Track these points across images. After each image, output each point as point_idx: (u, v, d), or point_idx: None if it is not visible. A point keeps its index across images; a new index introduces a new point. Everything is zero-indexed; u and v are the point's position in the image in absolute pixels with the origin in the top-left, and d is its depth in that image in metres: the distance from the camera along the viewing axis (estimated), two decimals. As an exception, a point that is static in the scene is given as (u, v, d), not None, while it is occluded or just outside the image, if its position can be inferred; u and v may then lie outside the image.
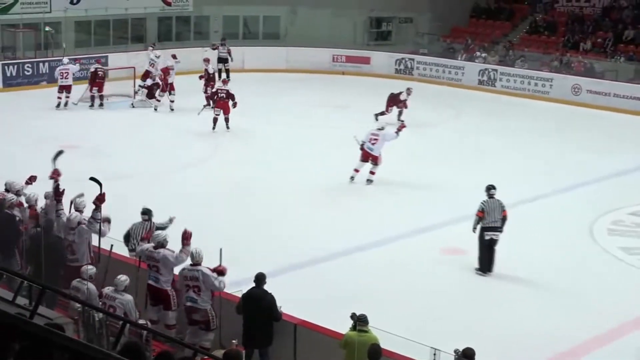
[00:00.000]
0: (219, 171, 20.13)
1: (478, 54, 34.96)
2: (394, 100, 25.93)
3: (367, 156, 19.51)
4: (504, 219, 14.52)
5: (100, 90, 26.49)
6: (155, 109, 25.90)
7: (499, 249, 14.72)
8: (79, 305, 9.90)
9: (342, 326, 9.87)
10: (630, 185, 20.17)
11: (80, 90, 26.24)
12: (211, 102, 25.37)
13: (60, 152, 12.77)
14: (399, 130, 19.92)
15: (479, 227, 14.53)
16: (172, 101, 26.26)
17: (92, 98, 26.49)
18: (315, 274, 14.18)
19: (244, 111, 24.92)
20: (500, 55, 35.20)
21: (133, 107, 26.72)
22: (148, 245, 11.36)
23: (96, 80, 26.49)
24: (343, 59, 35.56)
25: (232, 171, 20.10)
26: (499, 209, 14.50)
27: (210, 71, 27.34)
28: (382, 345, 9.42)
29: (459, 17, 39.59)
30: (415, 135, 24.32)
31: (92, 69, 26.79)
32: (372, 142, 19.50)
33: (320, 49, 35.20)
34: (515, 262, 15.02)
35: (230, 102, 23.90)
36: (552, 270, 14.77)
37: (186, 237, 10.97)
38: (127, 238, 12.92)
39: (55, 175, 12.40)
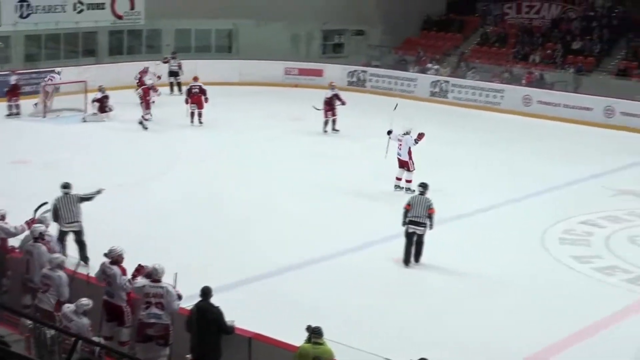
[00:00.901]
0: (177, 185, 19.95)
1: (430, 65, 35.21)
2: (328, 104, 26.11)
3: (400, 162, 19.97)
4: (430, 217, 15.02)
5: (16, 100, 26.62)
6: (145, 128, 25.58)
7: (453, 256, 14.93)
8: (30, 322, 9.77)
9: (298, 339, 9.83)
10: (580, 195, 20.39)
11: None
12: (187, 98, 26.55)
13: (43, 204, 12.70)
14: (417, 139, 20.15)
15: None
16: (146, 119, 25.80)
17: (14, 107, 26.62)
18: (271, 287, 14.12)
19: (198, 126, 24.89)
20: (452, 67, 35.48)
21: (85, 121, 26.48)
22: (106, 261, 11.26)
23: (15, 91, 26.70)
24: (296, 71, 35.62)
25: (190, 185, 19.95)
26: (424, 205, 15.10)
27: (148, 83, 27.17)
28: (338, 358, 9.39)
29: (411, 29, 39.83)
30: (371, 147, 24.42)
31: (43, 83, 26.74)
32: (399, 147, 20.07)
33: (273, 61, 35.23)
34: (468, 272, 15.10)
35: (203, 97, 25.97)
36: (505, 280, 14.86)
37: (138, 270, 11.01)
38: (56, 214, 13.69)
39: (30, 224, 12.30)
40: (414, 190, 19.49)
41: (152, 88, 26.46)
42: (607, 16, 36.87)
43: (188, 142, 24.33)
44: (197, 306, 10.43)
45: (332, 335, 9.85)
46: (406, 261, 15.23)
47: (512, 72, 34.20)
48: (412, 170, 19.84)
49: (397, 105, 21.66)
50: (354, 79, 35.40)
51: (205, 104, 26.30)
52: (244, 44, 37.15)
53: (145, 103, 25.76)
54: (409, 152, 19.92)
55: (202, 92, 26.37)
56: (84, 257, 13.83)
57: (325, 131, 26.13)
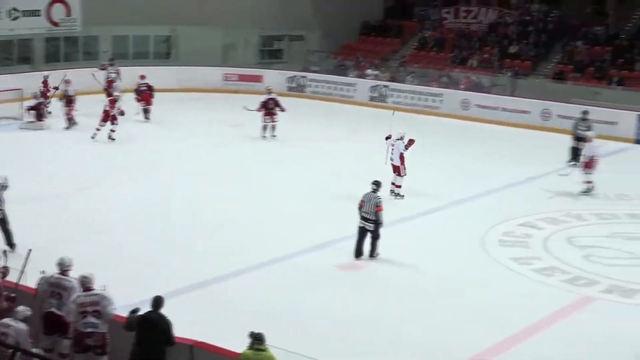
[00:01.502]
0: (116, 193, 19.73)
1: (369, 71, 35.40)
2: (266, 108, 26.18)
3: (393, 167, 20.21)
4: (377, 214, 15.50)
5: None
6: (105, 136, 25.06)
7: (397, 258, 15.35)
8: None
9: (242, 346, 9.80)
10: (519, 197, 20.64)
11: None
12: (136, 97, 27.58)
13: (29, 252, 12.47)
14: (408, 145, 20.31)
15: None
16: (112, 130, 25.09)
17: None
18: (214, 293, 14.03)
19: (137, 133, 24.70)
20: (391, 72, 35.71)
21: (22, 129, 26.12)
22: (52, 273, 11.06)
23: None
24: (235, 77, 35.58)
25: (129, 193, 19.73)
26: (372, 202, 15.58)
27: (71, 93, 26.87)
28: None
29: (349, 34, 40.03)
30: (313, 153, 24.52)
31: None
32: (392, 152, 20.32)
33: (212, 67, 35.16)
34: (411, 274, 15.19)
35: (151, 94, 27.31)
36: (447, 281, 14.97)
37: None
38: None
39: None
40: (403, 196, 19.97)
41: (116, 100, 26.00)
42: (543, 20, 37.44)
43: (126, 150, 24.11)
44: (147, 316, 10.30)
45: (276, 340, 9.84)
46: (356, 254, 15.72)
47: (451, 76, 34.55)
48: (402, 176, 20.13)
49: (394, 112, 21.77)
50: (294, 85, 35.46)
51: (152, 101, 27.82)
52: (182, 50, 37.00)
53: (105, 114, 24.93)
54: (401, 157, 20.16)
55: (150, 89, 27.85)
56: (10, 244, 14.70)
57: (264, 136, 26.15)
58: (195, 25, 35.70)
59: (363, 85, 34.30)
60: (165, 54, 37.73)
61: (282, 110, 26.24)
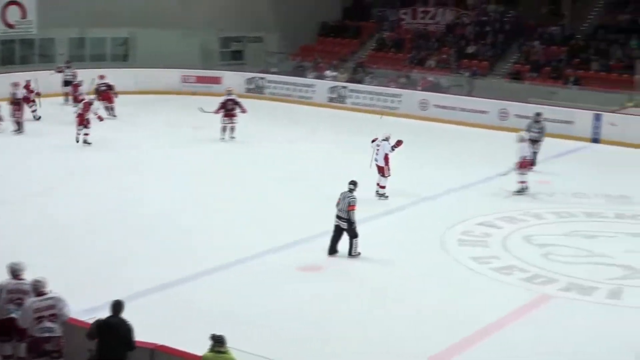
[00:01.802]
0: (75, 197, 19.55)
1: (328, 72, 35.44)
2: (225, 109, 26.09)
3: (377, 168, 20.32)
4: (348, 213, 15.71)
5: None
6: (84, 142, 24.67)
7: (356, 260, 15.15)
8: None
9: (203, 349, 9.76)
10: (478, 197, 20.75)
11: None
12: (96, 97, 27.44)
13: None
14: (395, 146, 20.40)
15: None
16: (86, 134, 24.73)
17: None
18: (173, 296, 13.95)
19: (94, 136, 24.51)
20: (349, 73, 35.78)
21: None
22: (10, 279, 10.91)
23: None
24: (193, 79, 35.45)
25: (88, 196, 19.57)
26: (346, 201, 15.79)
27: (19, 96, 26.58)
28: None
29: (308, 35, 40.06)
30: (272, 155, 24.49)
31: None
32: (377, 152, 20.38)
33: (170, 69, 34.98)
34: (370, 275, 15.23)
35: (112, 92, 27.97)
36: (406, 281, 15.02)
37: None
38: None
39: None
40: (387, 197, 20.06)
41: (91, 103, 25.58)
42: (500, 21, 37.72)
43: (83, 154, 23.89)
44: (108, 321, 10.20)
45: (238, 342, 9.81)
46: (329, 251, 15.93)
47: (409, 76, 34.69)
48: (386, 176, 20.23)
49: (382, 116, 21.75)
50: (253, 86, 35.41)
51: (115, 99, 28.57)
52: (140, 52, 36.78)
53: (80, 118, 24.59)
54: (386, 158, 20.24)
55: (110, 88, 28.65)
56: None
57: (223, 138, 26.07)
58: (153, 27, 35.50)
59: (322, 86, 34.34)
60: (122, 56, 37.48)
61: (243, 111, 26.17)
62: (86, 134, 24.52)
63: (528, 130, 23.58)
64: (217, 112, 26.03)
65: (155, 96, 33.35)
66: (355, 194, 15.97)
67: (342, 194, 16.01)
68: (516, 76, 34.05)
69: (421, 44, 37.78)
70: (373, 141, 20.82)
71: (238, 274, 15.05)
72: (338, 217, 15.88)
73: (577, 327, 13.29)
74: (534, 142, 22.94)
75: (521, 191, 20.82)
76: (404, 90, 33.05)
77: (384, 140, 20.52)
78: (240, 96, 30.00)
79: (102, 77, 29.01)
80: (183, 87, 35.15)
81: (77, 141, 24.47)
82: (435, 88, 33.36)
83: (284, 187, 20.85)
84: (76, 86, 29.17)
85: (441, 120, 30.56)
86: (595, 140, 28.58)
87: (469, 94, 32.65)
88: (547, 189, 21.60)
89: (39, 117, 27.49)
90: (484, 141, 27.75)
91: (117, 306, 10.25)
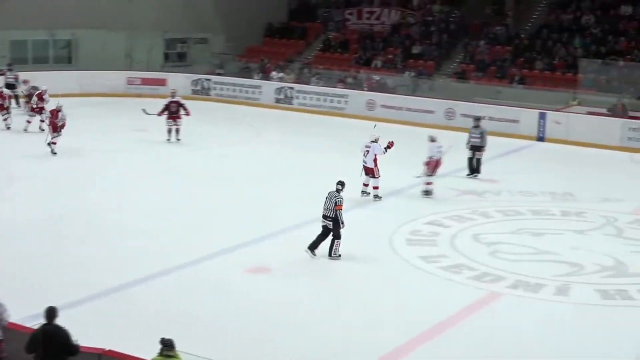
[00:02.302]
0: (13, 204, 19.26)
1: (274, 73, 35.38)
2: (169, 111, 25.92)
3: (366, 170, 20.26)
4: (336, 213, 15.73)
5: None
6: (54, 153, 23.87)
7: (303, 261, 15.17)
8: None
9: (152, 353, 9.63)
10: (426, 196, 20.81)
11: None
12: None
13: None
14: (387, 148, 20.32)
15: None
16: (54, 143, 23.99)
17: None
18: (123, 300, 13.76)
19: (36, 140, 24.18)
20: (295, 74, 35.76)
21: None
22: None
23: None
24: (138, 81, 35.12)
25: (27, 203, 19.27)
26: (333, 201, 15.80)
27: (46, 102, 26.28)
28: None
29: (253, 36, 39.98)
30: (218, 157, 24.35)
31: None
32: (365, 154, 20.28)
33: (115, 71, 34.66)
34: (319, 274, 15.19)
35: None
36: (355, 281, 15.01)
37: None
38: None
39: None
40: (381, 197, 20.15)
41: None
42: (445, 21, 37.98)
43: (24, 158, 23.47)
44: (44, 330, 10.01)
45: (188, 346, 9.71)
46: (310, 245, 15.89)
47: (356, 77, 34.76)
48: (377, 177, 20.22)
49: (375, 125, 21.55)
50: (198, 88, 35.21)
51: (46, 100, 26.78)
52: (84, 54, 36.37)
53: (53, 125, 23.92)
54: (375, 160, 20.20)
55: (36, 89, 27.12)
56: None
57: (169, 140, 25.87)
58: (97, 29, 35.11)
59: (268, 88, 34.26)
60: (66, 58, 37.03)
61: (187, 114, 25.96)
62: (53, 142, 23.78)
63: (469, 137, 23.16)
64: (160, 114, 25.80)
65: (99, 99, 32.98)
66: (342, 194, 15.98)
67: (329, 193, 16.00)
68: (462, 76, 34.32)
69: (367, 45, 37.90)
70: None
71: (188, 277, 14.91)
72: (324, 216, 15.88)
73: (526, 325, 13.36)
74: (475, 148, 22.71)
75: (427, 193, 20.59)
76: (351, 90, 33.14)
77: (373, 142, 20.47)
78: (186, 98, 29.87)
79: (26, 82, 28.20)
80: (128, 89, 34.79)
81: (53, 152, 23.65)
82: (381, 88, 33.48)
83: (231, 189, 20.73)
84: (41, 95, 27.75)
85: (388, 120, 30.61)
86: (541, 138, 28.90)
87: (416, 94, 32.82)
88: (494, 187, 21.77)
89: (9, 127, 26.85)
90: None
91: (51, 313, 10.00)
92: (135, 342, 10.56)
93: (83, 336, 9.93)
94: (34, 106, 26.69)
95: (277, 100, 33.82)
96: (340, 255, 15.91)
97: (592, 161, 25.98)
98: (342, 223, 15.79)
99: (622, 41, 33.61)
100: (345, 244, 16.57)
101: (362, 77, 34.68)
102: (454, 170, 22.18)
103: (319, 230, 16.00)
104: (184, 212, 18.75)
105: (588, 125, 28.52)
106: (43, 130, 25.65)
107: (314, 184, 21.13)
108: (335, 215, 15.74)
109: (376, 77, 34.20)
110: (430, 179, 20.72)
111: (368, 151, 20.37)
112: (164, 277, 14.82)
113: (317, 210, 18.70)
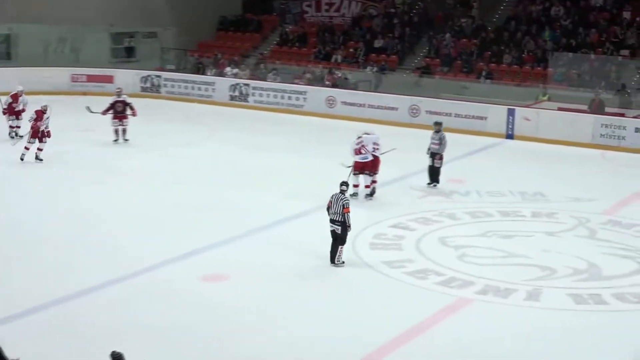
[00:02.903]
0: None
1: (229, 69, 35.29)
2: (114, 110, 25.76)
3: (363, 165, 20.26)
4: (344, 216, 15.79)
5: None
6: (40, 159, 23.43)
7: (262, 268, 15.07)
8: None
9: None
10: (390, 197, 20.85)
11: None
12: None
13: None
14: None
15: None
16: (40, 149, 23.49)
17: None
18: (70, 312, 13.68)
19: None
20: (251, 69, 35.70)
21: None
22: None
23: None
24: (84, 78, 34.85)
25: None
26: (340, 204, 15.84)
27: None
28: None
29: (206, 30, 39.86)
30: (169, 158, 24.22)
31: None
32: (360, 151, 20.28)
33: (58, 68, 34.38)
34: (279, 281, 15.16)
35: None
36: (317, 289, 15.00)
37: None
38: None
39: None
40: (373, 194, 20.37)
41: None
42: (408, 13, 38.11)
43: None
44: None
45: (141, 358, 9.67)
46: (332, 260, 15.97)
47: (315, 72, 34.78)
48: (376, 172, 20.48)
49: (348, 168, 21.32)
50: (148, 85, 34.99)
51: None
52: (24, 50, 36.02)
53: (34, 131, 23.37)
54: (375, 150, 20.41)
55: None
56: None
57: (116, 140, 25.71)
58: (37, 23, 34.79)
59: (222, 84, 34.15)
60: (5, 54, 36.66)
61: (133, 114, 25.80)
62: (40, 149, 23.34)
63: (430, 141, 22.17)
64: (104, 113, 25.62)
65: (42, 97, 32.60)
66: (347, 195, 16.13)
67: (333, 196, 16.04)
68: (426, 71, 34.46)
69: (326, 38, 37.92)
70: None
71: (139, 286, 14.83)
72: (332, 221, 15.94)
73: (496, 332, 13.45)
74: (433, 155, 21.77)
75: (354, 195, 20.40)
76: (310, 87, 33.12)
77: (366, 134, 20.61)
78: (135, 96, 29.73)
79: None
80: (72, 87, 34.50)
81: (38, 158, 23.26)
82: (342, 84, 33.52)
83: (183, 192, 20.63)
84: (16, 96, 27.16)
85: (349, 117, 30.67)
86: (510, 136, 29.08)
87: (378, 90, 32.91)
88: (461, 187, 21.88)
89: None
90: (395, 139, 27.83)
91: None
92: (83, 357, 10.49)
93: (25, 353, 9.85)
94: (5, 107, 26.16)
95: (232, 98, 33.72)
96: (343, 262, 16.00)
97: (563, 159, 26.18)
98: (349, 226, 15.92)
99: (593, 33, 33.94)
100: (305, 249, 16.60)
101: (322, 72, 34.68)
102: (420, 170, 22.23)
103: (280, 235, 15.99)
104: (133, 218, 18.63)
105: (559, 121, 28.75)
106: (14, 137, 25.33)
107: (271, 186, 21.22)
108: (344, 218, 15.82)
109: (337, 73, 34.22)
110: (356, 181, 20.62)
111: (363, 145, 20.36)
112: (113, 287, 14.74)
113: (275, 214, 18.80)
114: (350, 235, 17.40)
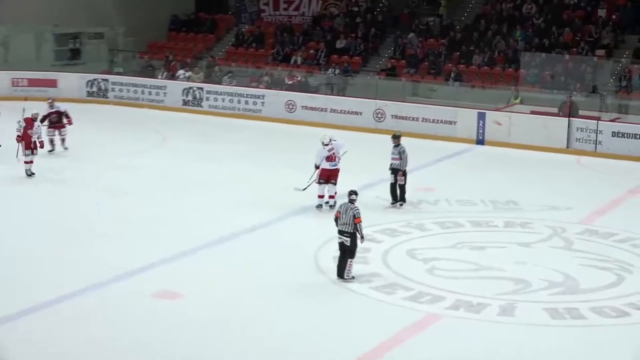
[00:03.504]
0: None
1: (181, 72, 35.16)
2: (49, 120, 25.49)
3: (330, 173, 20.26)
4: (355, 226, 15.80)
5: None
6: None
7: (220, 284, 14.85)
8: None
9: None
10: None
11: None
12: None
13: None
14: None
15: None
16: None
17: None
18: (16, 332, 13.56)
19: None
20: (205, 72, 35.59)
21: None
22: None
23: None
24: (25, 82, 34.56)
25: None
26: (350, 214, 15.85)
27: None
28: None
29: (157, 31, 39.70)
30: (117, 168, 24.04)
31: None
32: (330, 158, 20.25)
33: (-4, 72, 34.14)
34: (238, 301, 15.10)
35: None
36: (278, 305, 14.95)
37: None
38: None
39: None
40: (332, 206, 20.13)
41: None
42: (372, 11, 38.18)
43: None
44: None
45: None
46: (340, 275, 16.00)
47: (273, 75, 34.73)
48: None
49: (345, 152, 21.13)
50: (94, 89, 34.79)
51: None
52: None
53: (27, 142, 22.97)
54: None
55: None
56: None
57: (51, 150, 25.32)
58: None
59: (174, 88, 34.02)
60: None
61: (69, 122, 25.51)
62: (30, 162, 22.89)
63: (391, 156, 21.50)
64: (42, 122, 25.14)
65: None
66: (357, 204, 16.09)
67: (341, 206, 16.11)
68: (392, 72, 34.51)
69: (285, 39, 37.91)
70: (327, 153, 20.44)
71: (86, 305, 14.72)
72: (341, 232, 15.94)
73: (469, 349, 13.46)
74: (394, 171, 21.04)
75: (319, 207, 20.56)
76: (268, 90, 33.09)
77: (333, 141, 20.57)
78: (80, 101, 29.59)
79: None
80: (13, 92, 34.19)
81: (29, 173, 22.83)
82: (302, 87, 33.49)
83: (130, 206, 20.52)
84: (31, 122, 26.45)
85: (310, 123, 30.66)
86: (480, 141, 29.18)
87: (341, 94, 32.93)
88: (430, 196, 21.91)
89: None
90: (359, 146, 27.84)
91: None
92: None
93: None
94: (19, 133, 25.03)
95: (185, 103, 33.62)
96: (353, 278, 15.99)
97: (537, 165, 26.32)
98: (362, 237, 15.95)
99: (567, 32, 34.18)
100: (264, 264, 16.54)
101: (280, 75, 34.65)
102: (386, 178, 22.24)
103: (237, 248, 15.92)
104: (78, 234, 18.46)
105: (532, 125, 28.87)
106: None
107: (227, 197, 21.12)
108: (354, 229, 15.82)
109: (297, 76, 34.19)
110: (321, 191, 20.61)
111: (334, 153, 20.36)
112: (59, 305, 14.60)
113: (231, 226, 18.71)
114: (312, 248, 17.44)
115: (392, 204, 21.25)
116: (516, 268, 16.91)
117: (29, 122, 23.23)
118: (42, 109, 25.25)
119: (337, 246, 16.14)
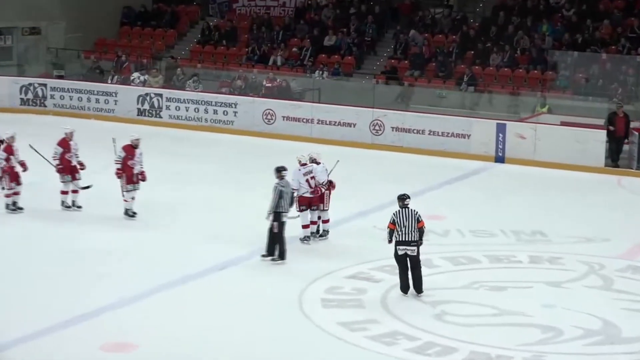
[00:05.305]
0: None
1: (136, 75, 35.17)
2: None
3: (311, 200, 20.42)
4: (420, 232, 16.85)
5: None
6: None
7: (195, 325, 14.80)
8: None
9: None
10: (345, 239, 20.84)
11: None
12: None
13: None
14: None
15: (393, 241, 16.99)
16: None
17: None
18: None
19: None
20: (164, 76, 35.60)
21: None
22: None
23: None
24: (-55, 88, 34.65)
25: None
26: (412, 219, 16.80)
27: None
28: None
29: (106, 26, 39.78)
30: (54, 192, 23.98)
31: None
32: (308, 181, 20.40)
33: None
34: (208, 353, 15.09)
35: None
36: (260, 355, 14.96)
37: None
38: None
39: None
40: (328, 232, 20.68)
41: None
42: (367, 2, 38.25)
43: None
44: None
45: None
46: (404, 289, 17.17)
47: (248, 79, 34.78)
48: (326, 209, 20.75)
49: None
50: (30, 96, 34.79)
51: None
52: None
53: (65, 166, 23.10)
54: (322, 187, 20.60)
55: None
56: None
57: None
58: None
59: (127, 95, 34.07)
60: None
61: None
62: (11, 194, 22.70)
63: None
64: None
65: None
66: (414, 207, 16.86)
67: (396, 214, 16.87)
68: (392, 76, 34.60)
69: (262, 35, 37.99)
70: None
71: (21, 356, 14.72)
72: (406, 243, 16.79)
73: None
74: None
75: (305, 239, 20.66)
76: (242, 97, 33.13)
77: (313, 162, 20.78)
78: (13, 110, 29.53)
79: None
80: None
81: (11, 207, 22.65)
82: (283, 94, 33.53)
83: (73, 239, 20.58)
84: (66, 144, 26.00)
85: (292, 137, 30.70)
86: (500, 158, 29.25)
87: (329, 102, 32.96)
88: (439, 226, 21.89)
89: None
90: (352, 165, 27.87)
91: None
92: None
93: None
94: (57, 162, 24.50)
95: (140, 112, 33.65)
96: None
97: (568, 188, 26.41)
98: (421, 243, 17.00)
99: (604, 26, 34.28)
100: (238, 306, 16.54)
101: (257, 78, 34.69)
102: (386, 204, 22.26)
103: (201, 288, 15.87)
104: (10, 274, 18.45)
105: (562, 139, 28.96)
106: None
107: (189, 228, 21.09)
108: (421, 235, 16.73)
109: (277, 80, 34.24)
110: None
111: (313, 176, 20.48)
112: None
113: (193, 262, 18.61)
114: (296, 289, 17.44)
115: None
116: (544, 313, 16.93)
117: (65, 144, 23.23)
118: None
119: (324, 286, 16.12)
